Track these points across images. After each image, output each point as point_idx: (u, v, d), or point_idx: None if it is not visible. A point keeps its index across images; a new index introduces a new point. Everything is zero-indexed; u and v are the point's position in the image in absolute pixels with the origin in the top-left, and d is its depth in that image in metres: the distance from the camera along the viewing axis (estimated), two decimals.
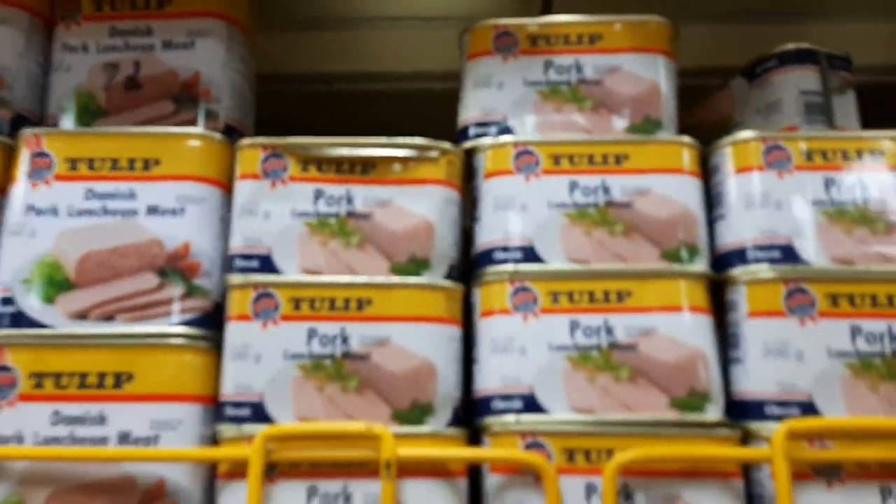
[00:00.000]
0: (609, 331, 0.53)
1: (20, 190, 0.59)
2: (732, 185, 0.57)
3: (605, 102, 0.60)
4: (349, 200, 0.57)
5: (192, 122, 0.63)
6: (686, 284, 0.54)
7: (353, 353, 0.53)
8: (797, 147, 0.56)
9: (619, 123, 0.59)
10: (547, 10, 0.75)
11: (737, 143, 0.57)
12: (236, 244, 0.56)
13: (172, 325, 0.55)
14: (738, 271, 0.55)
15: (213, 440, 0.53)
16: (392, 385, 0.52)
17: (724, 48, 0.83)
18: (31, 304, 0.56)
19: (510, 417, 0.52)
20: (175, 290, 0.57)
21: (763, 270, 0.54)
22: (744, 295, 0.54)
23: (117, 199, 0.59)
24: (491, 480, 0.51)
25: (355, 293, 0.54)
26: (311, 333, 0.53)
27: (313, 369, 0.53)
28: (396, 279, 0.54)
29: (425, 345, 0.53)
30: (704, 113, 0.74)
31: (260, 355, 0.54)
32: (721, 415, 0.52)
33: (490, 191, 0.58)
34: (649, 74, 0.60)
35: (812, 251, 0.54)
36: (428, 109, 0.71)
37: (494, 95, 0.61)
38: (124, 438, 0.52)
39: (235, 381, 0.53)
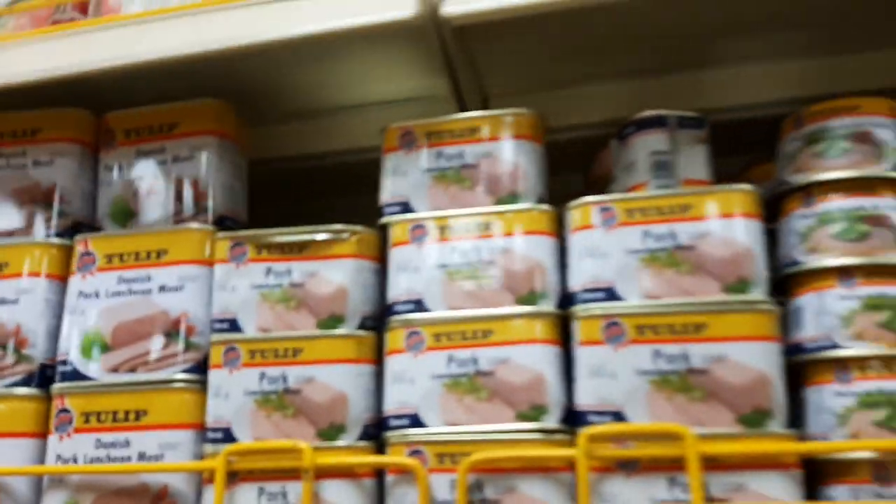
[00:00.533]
0: (475, 361, 0.69)
1: (74, 281, 0.82)
2: (573, 240, 0.71)
3: (482, 180, 0.75)
4: (289, 273, 0.75)
5: (191, 219, 0.84)
6: (540, 322, 0.69)
7: (290, 389, 0.71)
8: (622, 206, 0.69)
9: (487, 199, 0.74)
10: (463, 108, 0.91)
11: (576, 206, 0.71)
12: (215, 312, 0.76)
13: (175, 373, 0.76)
14: (574, 309, 0.69)
15: (202, 456, 0.73)
16: (316, 411, 0.70)
17: (634, 102, 0.95)
18: (82, 363, 0.78)
19: (399, 432, 0.69)
20: (177, 347, 0.78)
21: (589, 309, 0.68)
22: (578, 328, 0.68)
23: (138, 282, 0.80)
24: (389, 479, 0.68)
25: (291, 344, 0.72)
26: (262, 376, 0.72)
27: (264, 402, 0.72)
28: (319, 332, 0.72)
29: (342, 380, 0.71)
30: (598, 168, 0.87)
31: (228, 394, 0.73)
32: (557, 423, 0.66)
33: (393, 258, 0.74)
34: (516, 156, 0.75)
35: (630, 292, 0.67)
36: None
37: (400, 182, 0.77)
38: (142, 457, 0.73)
39: (214, 413, 0.73)
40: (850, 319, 0.63)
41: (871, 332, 0.62)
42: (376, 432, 0.71)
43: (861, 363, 0.62)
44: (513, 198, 0.74)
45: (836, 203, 0.67)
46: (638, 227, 0.68)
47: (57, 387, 0.77)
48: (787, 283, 0.70)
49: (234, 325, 0.75)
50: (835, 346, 0.63)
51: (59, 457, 0.75)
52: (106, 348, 0.77)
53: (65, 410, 0.76)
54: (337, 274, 0.73)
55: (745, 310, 0.64)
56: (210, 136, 0.86)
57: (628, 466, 0.63)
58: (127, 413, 0.75)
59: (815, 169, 0.69)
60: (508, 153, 0.75)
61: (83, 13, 0.93)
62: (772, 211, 0.72)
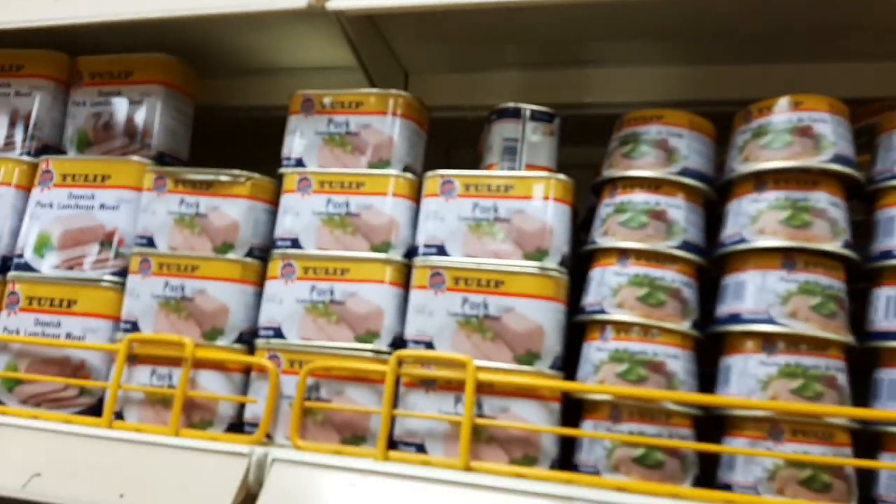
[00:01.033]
0: (332, 292, 0.84)
1: (35, 192, 0.98)
2: (423, 204, 0.85)
3: (359, 147, 0.89)
4: (197, 205, 0.90)
5: (136, 152, 0.99)
6: (388, 267, 0.84)
7: (186, 297, 0.87)
8: (461, 181, 0.83)
9: (362, 163, 0.88)
10: (370, 80, 1.03)
11: (429, 178, 0.85)
12: (138, 230, 0.92)
13: (104, 275, 0.92)
14: (414, 259, 0.83)
15: (114, 341, 0.90)
16: (202, 317, 0.86)
17: (529, 92, 1.08)
18: (33, 259, 0.95)
19: (265, 340, 0.85)
20: (109, 254, 0.94)
21: (423, 261, 0.82)
22: (413, 275, 0.83)
23: (84, 199, 0.96)
24: (252, 375, 0.85)
25: (191, 262, 0.87)
26: (166, 284, 0.88)
27: (165, 305, 0.88)
28: (213, 255, 0.88)
29: (226, 295, 0.86)
30: (480, 145, 1.00)
31: (139, 295, 0.89)
32: (385, 346, 0.82)
33: (282, 203, 0.89)
34: (390, 130, 0.89)
35: (456, 250, 0.81)
36: None
37: (297, 141, 0.92)
38: (68, 336, 0.90)
39: (127, 309, 0.89)
40: (618, 291, 0.77)
41: (629, 303, 0.76)
42: (250, 339, 0.87)
43: (619, 326, 0.76)
44: (383, 164, 0.88)
45: (630, 195, 0.80)
46: (471, 200, 0.82)
47: (11, 275, 0.94)
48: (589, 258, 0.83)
49: (150, 242, 0.91)
50: (602, 311, 0.77)
51: (5, 328, 0.92)
52: (53, 249, 0.94)
53: (13, 293, 0.93)
54: (233, 209, 0.89)
55: (535, 273, 0.78)
56: (158, 84, 1.01)
57: (428, 384, 0.78)
58: (61, 301, 0.91)
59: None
60: (384, 126, 0.88)
61: None
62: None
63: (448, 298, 0.80)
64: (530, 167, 0.87)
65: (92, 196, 0.95)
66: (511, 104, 0.89)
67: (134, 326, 0.88)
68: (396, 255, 0.84)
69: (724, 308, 0.75)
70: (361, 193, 0.86)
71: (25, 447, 0.81)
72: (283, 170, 0.90)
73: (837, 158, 0.72)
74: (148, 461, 0.78)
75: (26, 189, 0.99)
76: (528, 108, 0.89)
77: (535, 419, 0.75)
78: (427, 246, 0.83)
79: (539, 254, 0.79)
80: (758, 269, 0.72)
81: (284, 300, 0.85)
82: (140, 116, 0.99)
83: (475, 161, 1.04)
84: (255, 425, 0.82)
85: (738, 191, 0.77)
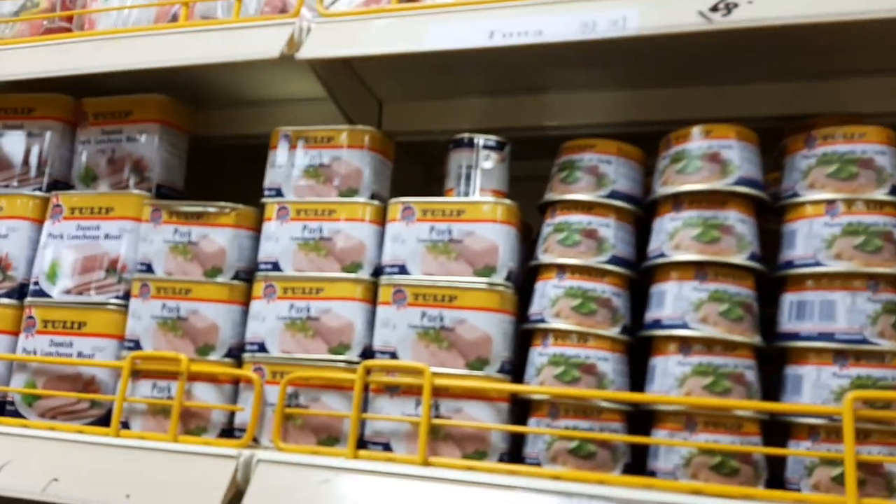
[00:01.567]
0: (308, 310, 0.94)
1: (47, 225, 1.08)
2: (387, 228, 0.94)
3: (331, 177, 0.98)
4: (189, 234, 1.00)
5: (136, 185, 1.10)
6: (358, 285, 0.93)
7: (181, 317, 0.97)
8: (419, 207, 0.92)
9: (333, 193, 0.98)
10: (343, 112, 1.12)
11: (391, 204, 0.94)
12: (138, 258, 1.03)
13: (110, 298, 1.03)
14: (379, 278, 0.93)
15: (119, 358, 1.00)
16: (196, 334, 0.96)
17: (491, 117, 1.17)
18: (47, 285, 1.05)
19: (250, 354, 0.95)
20: (114, 279, 1.04)
21: (387, 279, 0.91)
22: (379, 292, 0.92)
23: (91, 230, 1.06)
24: (241, 386, 0.95)
25: (184, 285, 0.97)
26: (163, 306, 0.98)
27: (163, 325, 0.98)
28: (204, 279, 0.98)
29: (217, 315, 0.97)
30: (442, 171, 1.09)
31: (140, 316, 0.99)
32: (356, 357, 0.91)
33: (264, 230, 0.99)
34: (359, 162, 0.98)
35: (415, 269, 0.91)
36: None
37: (276, 173, 1.01)
38: (80, 354, 1.01)
39: (130, 329, 1.00)
40: (556, 302, 0.86)
41: (565, 312, 0.85)
42: (238, 353, 0.97)
43: (556, 333, 0.85)
44: (352, 192, 0.97)
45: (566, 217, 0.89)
46: (427, 224, 0.91)
47: (28, 300, 1.04)
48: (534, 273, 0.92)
49: (149, 268, 1.01)
50: (543, 321, 0.86)
51: (24, 349, 1.03)
52: (64, 276, 1.04)
53: (31, 317, 1.03)
54: (220, 237, 0.99)
55: (484, 289, 0.87)
56: (155, 123, 1.11)
57: (392, 390, 0.88)
58: (73, 323, 1.02)
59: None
60: (353, 158, 0.98)
61: (69, 22, 1.18)
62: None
63: (409, 313, 0.89)
64: (484, 191, 0.96)
65: (97, 227, 1.06)
66: (466, 135, 0.98)
67: (136, 345, 0.98)
68: (365, 274, 0.94)
69: (649, 314, 0.83)
70: (333, 220, 0.96)
71: (44, 456, 0.91)
72: (264, 200, 1.00)
73: (742, 181, 0.80)
74: (150, 465, 0.89)
75: (39, 221, 1.10)
76: (481, 138, 0.97)
77: (485, 418, 0.84)
78: (390, 266, 0.92)
79: (487, 270, 0.88)
80: (675, 281, 0.81)
81: (267, 318, 0.95)
82: (139, 152, 1.10)
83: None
84: (243, 430, 0.91)
85: (660, 210, 0.85)
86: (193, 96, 1.17)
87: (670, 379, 0.79)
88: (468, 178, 0.97)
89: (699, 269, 0.80)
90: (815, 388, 0.75)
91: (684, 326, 0.79)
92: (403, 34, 0.90)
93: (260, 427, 0.91)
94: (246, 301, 0.98)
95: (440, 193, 0.97)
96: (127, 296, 1.02)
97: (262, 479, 0.83)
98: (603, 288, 0.85)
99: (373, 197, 0.97)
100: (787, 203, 0.81)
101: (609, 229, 0.86)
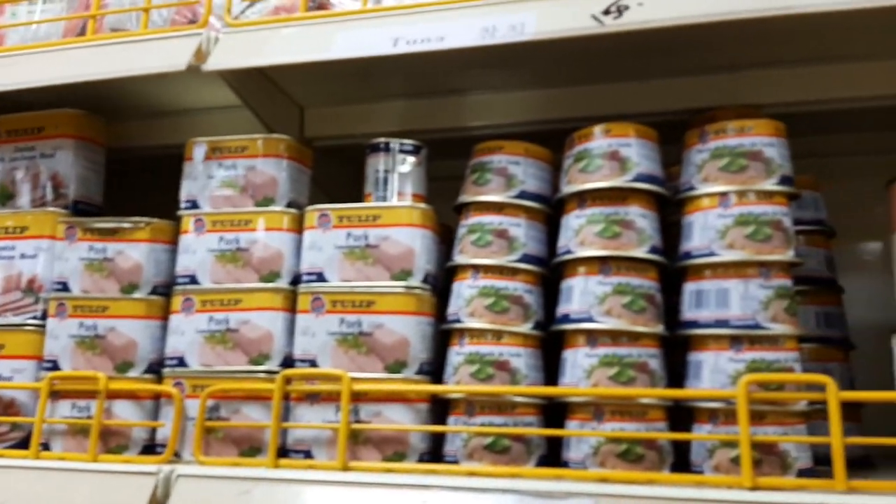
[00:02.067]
0: (227, 321, 0.95)
1: None
2: (304, 235, 0.96)
3: (247, 187, 0.99)
4: (105, 251, 1.00)
5: (52, 202, 1.09)
6: (277, 295, 0.94)
7: (99, 335, 0.97)
8: (335, 213, 0.94)
9: (249, 203, 0.99)
10: (261, 120, 1.13)
11: (308, 212, 0.96)
12: (54, 276, 1.02)
13: (27, 319, 1.02)
14: (298, 287, 0.94)
15: (38, 379, 1.00)
16: (114, 351, 0.96)
17: (411, 119, 1.19)
18: None
19: (170, 369, 0.95)
20: (30, 300, 1.04)
21: (305, 287, 0.93)
22: (298, 301, 0.94)
23: (6, 250, 1.05)
24: (161, 401, 0.95)
25: (101, 303, 0.97)
26: (80, 324, 0.98)
27: (81, 343, 0.97)
28: (121, 295, 0.98)
29: (135, 330, 0.97)
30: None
31: (58, 336, 0.99)
32: (276, 367, 0.92)
33: (181, 242, 0.99)
34: (274, 171, 0.99)
35: (333, 276, 0.92)
36: None
37: (191, 185, 1.02)
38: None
39: (48, 349, 0.99)
40: (470, 302, 0.88)
41: (479, 311, 0.87)
42: (158, 369, 0.97)
43: (471, 333, 0.87)
44: (267, 202, 0.98)
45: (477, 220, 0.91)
46: (344, 230, 0.93)
47: None
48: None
49: (65, 287, 1.00)
50: (458, 321, 0.89)
51: None
52: None
53: None
54: (135, 252, 0.99)
55: (400, 293, 0.89)
56: (69, 138, 1.11)
57: (312, 397, 0.89)
58: None
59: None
60: (269, 168, 0.99)
61: None
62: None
63: (327, 320, 0.90)
64: (402, 195, 0.98)
65: (13, 247, 1.05)
66: (382, 140, 1.00)
67: (55, 365, 0.98)
68: (283, 283, 0.95)
69: (560, 309, 0.86)
70: (249, 230, 0.97)
71: None
72: (180, 212, 1.00)
73: (640, 177, 0.84)
74: (71, 486, 0.88)
75: None
76: (396, 142, 0.99)
77: (404, 420, 0.86)
78: (308, 274, 0.93)
79: (404, 274, 0.90)
80: (581, 276, 0.84)
81: (186, 331, 0.95)
82: (54, 168, 1.09)
83: None
84: (165, 446, 0.92)
85: (566, 208, 0.88)
86: (110, 108, 1.16)
87: (579, 371, 0.82)
88: (385, 182, 0.99)
89: (603, 264, 0.83)
90: (713, 373, 0.78)
91: (590, 320, 0.82)
92: (310, 43, 0.92)
93: (182, 441, 0.92)
94: (164, 316, 0.98)
95: None
96: (45, 316, 1.01)
97: (181, 494, 0.84)
98: (515, 286, 0.87)
99: (290, 205, 0.99)
100: (685, 196, 0.85)
101: (520, 229, 0.89)
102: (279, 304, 0.94)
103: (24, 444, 0.97)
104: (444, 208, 0.98)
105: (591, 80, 1.09)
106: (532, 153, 0.92)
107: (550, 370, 0.88)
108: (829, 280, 0.99)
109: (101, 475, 0.88)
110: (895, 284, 0.79)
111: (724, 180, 0.82)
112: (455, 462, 0.84)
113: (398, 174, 0.99)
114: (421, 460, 0.86)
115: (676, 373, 0.84)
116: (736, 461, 0.75)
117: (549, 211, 0.92)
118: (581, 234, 0.85)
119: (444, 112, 1.19)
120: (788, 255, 0.79)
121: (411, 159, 1.00)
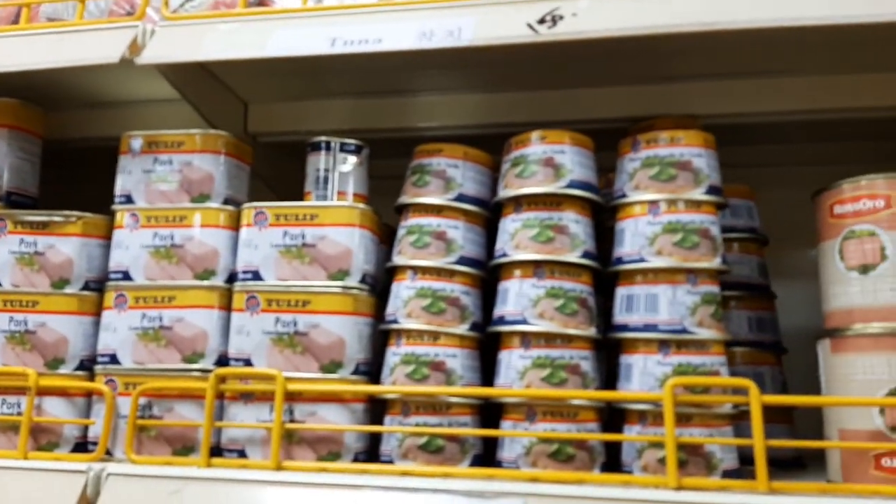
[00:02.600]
0: (161, 318, 0.93)
1: None
2: (241, 233, 0.94)
3: (183, 182, 0.97)
4: (35, 244, 0.97)
5: None
6: (212, 293, 0.93)
7: (28, 330, 0.94)
8: (272, 212, 0.93)
9: (185, 198, 0.97)
10: (200, 114, 1.11)
11: (244, 209, 0.95)
12: None
13: None
14: (233, 285, 0.93)
15: None
16: (45, 347, 0.94)
17: (355, 117, 1.19)
18: None
19: (102, 366, 0.93)
20: None
21: (241, 286, 0.92)
22: (234, 300, 0.92)
23: None
24: (93, 399, 0.93)
25: (31, 297, 0.94)
26: (10, 319, 0.95)
27: (10, 339, 0.95)
28: (51, 290, 0.95)
29: (65, 327, 0.94)
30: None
31: None
32: (210, 365, 0.91)
33: (114, 237, 0.97)
34: (211, 167, 0.98)
35: (269, 275, 0.92)
36: None
37: (126, 179, 1.00)
38: None
39: None
40: (408, 302, 0.88)
41: (416, 312, 0.88)
42: (90, 365, 0.95)
43: (408, 333, 0.87)
44: (203, 198, 0.97)
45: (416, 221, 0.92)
46: (281, 229, 0.92)
47: None
48: None
49: None
50: (395, 321, 0.89)
51: None
52: None
53: None
54: (67, 247, 0.96)
55: (337, 293, 0.88)
56: (2, 127, 1.07)
57: (246, 396, 0.88)
58: None
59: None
60: (205, 163, 0.97)
61: None
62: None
63: (262, 319, 0.90)
64: (342, 194, 0.98)
65: None
66: (323, 139, 0.99)
67: None
68: (219, 281, 0.93)
69: (496, 311, 0.87)
70: (185, 226, 0.95)
71: None
72: (114, 207, 0.98)
73: (574, 184, 0.85)
74: None
75: None
76: (337, 141, 0.99)
77: (339, 420, 0.86)
78: (244, 272, 0.92)
79: (341, 274, 0.90)
80: (516, 279, 0.85)
81: (118, 328, 0.93)
82: None
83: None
84: (97, 444, 0.90)
85: (503, 212, 0.89)
86: (48, 99, 1.13)
87: (513, 372, 0.83)
88: (325, 181, 0.98)
89: (537, 268, 0.84)
90: (642, 375, 0.80)
91: (524, 322, 0.83)
92: (247, 39, 0.91)
93: (114, 440, 0.90)
94: (97, 312, 0.96)
95: None
96: None
97: (111, 493, 0.82)
98: (452, 287, 0.88)
99: (227, 202, 0.97)
100: (617, 203, 0.86)
101: (458, 231, 0.90)
102: (214, 302, 0.93)
103: None
104: (389, 208, 0.98)
105: (532, 87, 1.10)
106: (471, 157, 0.92)
107: (487, 370, 0.89)
108: (761, 286, 1.02)
109: (31, 472, 0.85)
110: (822, 291, 0.81)
111: (655, 188, 0.83)
112: (390, 462, 0.84)
113: (339, 173, 0.99)
114: (356, 460, 0.86)
115: (613, 374, 0.86)
116: (663, 462, 0.77)
117: (488, 214, 0.93)
118: (516, 237, 0.85)
119: (389, 112, 1.19)
120: (715, 262, 0.81)
121: (352, 158, 0.99)
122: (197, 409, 0.89)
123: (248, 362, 0.89)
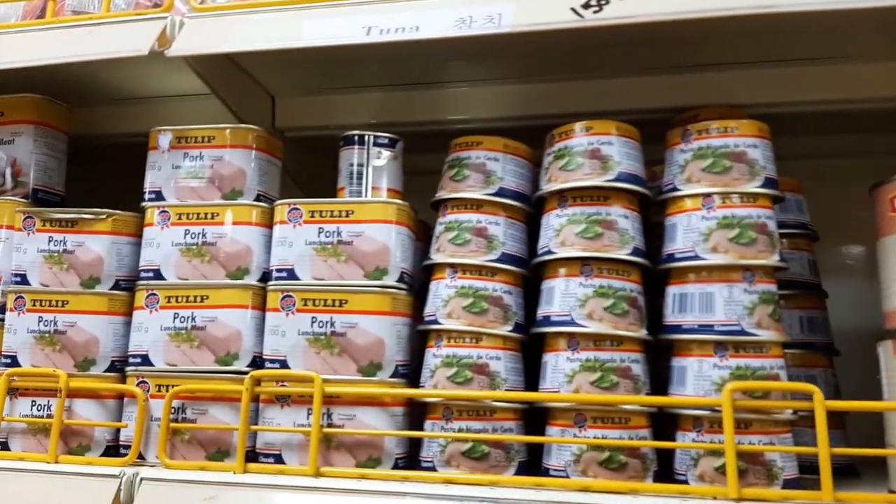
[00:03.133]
0: (193, 318, 0.89)
1: None
2: (274, 230, 0.90)
3: (214, 178, 0.93)
4: (65, 242, 0.94)
5: (11, 191, 1.02)
6: (246, 292, 0.89)
7: (59, 330, 0.91)
8: (306, 208, 0.89)
9: (216, 195, 0.93)
10: (228, 107, 1.07)
11: (277, 206, 0.91)
12: (12, 268, 0.95)
13: None
14: (267, 284, 0.89)
15: None
16: (75, 348, 0.90)
17: (386, 111, 1.14)
18: None
19: (134, 368, 0.90)
20: None
21: (275, 284, 0.88)
22: (268, 299, 0.88)
23: None
24: (125, 401, 0.90)
25: (61, 297, 0.91)
26: (40, 319, 0.92)
27: (40, 339, 0.91)
28: (81, 290, 0.92)
29: (96, 327, 0.91)
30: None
31: (17, 330, 0.92)
32: (244, 366, 0.87)
33: (145, 235, 0.93)
34: (242, 162, 0.94)
35: (304, 273, 0.87)
36: None
37: (156, 175, 0.96)
38: None
39: (7, 344, 0.92)
40: (448, 302, 0.84)
41: (457, 312, 0.83)
42: (121, 367, 0.92)
43: (449, 334, 0.83)
44: (235, 194, 0.93)
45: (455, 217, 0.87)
46: (316, 225, 0.88)
47: None
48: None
49: (24, 279, 0.94)
50: (436, 322, 0.84)
51: None
52: None
53: None
54: (97, 245, 0.93)
55: (375, 292, 0.84)
56: (28, 124, 1.04)
57: (282, 399, 0.84)
58: None
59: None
60: (237, 159, 0.93)
61: None
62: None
63: (298, 319, 0.86)
64: (376, 190, 0.93)
65: None
66: (356, 132, 0.95)
67: (13, 361, 0.92)
68: (252, 280, 0.89)
69: (540, 311, 0.82)
70: (216, 223, 0.91)
71: None
72: (144, 204, 0.94)
73: (622, 176, 0.80)
74: (29, 488, 0.83)
75: None
76: (371, 135, 0.94)
77: (378, 424, 0.82)
78: (278, 270, 0.88)
79: (379, 272, 0.85)
80: (562, 277, 0.80)
81: (150, 328, 0.90)
82: (13, 155, 1.03)
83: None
84: (129, 447, 0.87)
85: (546, 207, 0.84)
86: (74, 94, 1.09)
87: (560, 375, 0.78)
88: (360, 176, 0.94)
89: (584, 265, 0.79)
90: (697, 379, 0.75)
91: (571, 323, 0.78)
92: (279, 29, 0.86)
93: (146, 443, 0.86)
94: (128, 311, 0.93)
95: None
96: (3, 309, 0.95)
97: (145, 499, 0.79)
98: (494, 286, 0.83)
99: (259, 198, 0.93)
100: (668, 197, 0.81)
101: (498, 227, 0.85)
102: (248, 301, 0.89)
103: None
104: (422, 204, 0.93)
105: (572, 76, 1.05)
106: (511, 149, 0.88)
107: (531, 373, 0.85)
108: (813, 284, 0.96)
109: (62, 476, 0.83)
110: (882, 290, 0.76)
111: (708, 181, 0.78)
112: (432, 468, 0.80)
113: (373, 168, 0.94)
114: (396, 466, 0.82)
115: (660, 377, 0.81)
116: (721, 470, 0.72)
117: (529, 209, 0.88)
118: (562, 234, 0.81)
119: (422, 104, 1.14)
120: (773, 259, 0.76)
121: (386, 153, 0.95)
122: (231, 412, 0.85)
123: (283, 364, 0.85)
